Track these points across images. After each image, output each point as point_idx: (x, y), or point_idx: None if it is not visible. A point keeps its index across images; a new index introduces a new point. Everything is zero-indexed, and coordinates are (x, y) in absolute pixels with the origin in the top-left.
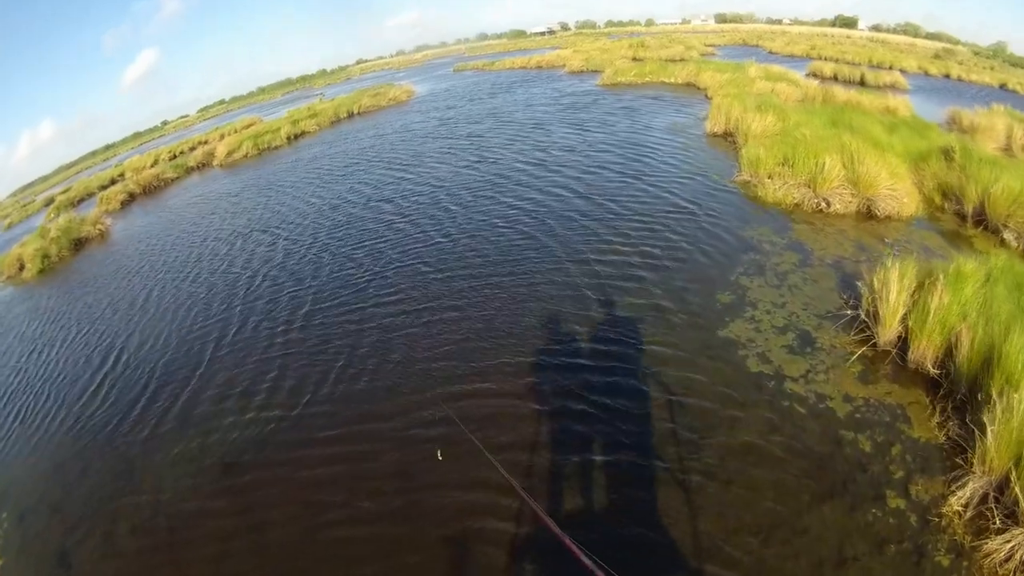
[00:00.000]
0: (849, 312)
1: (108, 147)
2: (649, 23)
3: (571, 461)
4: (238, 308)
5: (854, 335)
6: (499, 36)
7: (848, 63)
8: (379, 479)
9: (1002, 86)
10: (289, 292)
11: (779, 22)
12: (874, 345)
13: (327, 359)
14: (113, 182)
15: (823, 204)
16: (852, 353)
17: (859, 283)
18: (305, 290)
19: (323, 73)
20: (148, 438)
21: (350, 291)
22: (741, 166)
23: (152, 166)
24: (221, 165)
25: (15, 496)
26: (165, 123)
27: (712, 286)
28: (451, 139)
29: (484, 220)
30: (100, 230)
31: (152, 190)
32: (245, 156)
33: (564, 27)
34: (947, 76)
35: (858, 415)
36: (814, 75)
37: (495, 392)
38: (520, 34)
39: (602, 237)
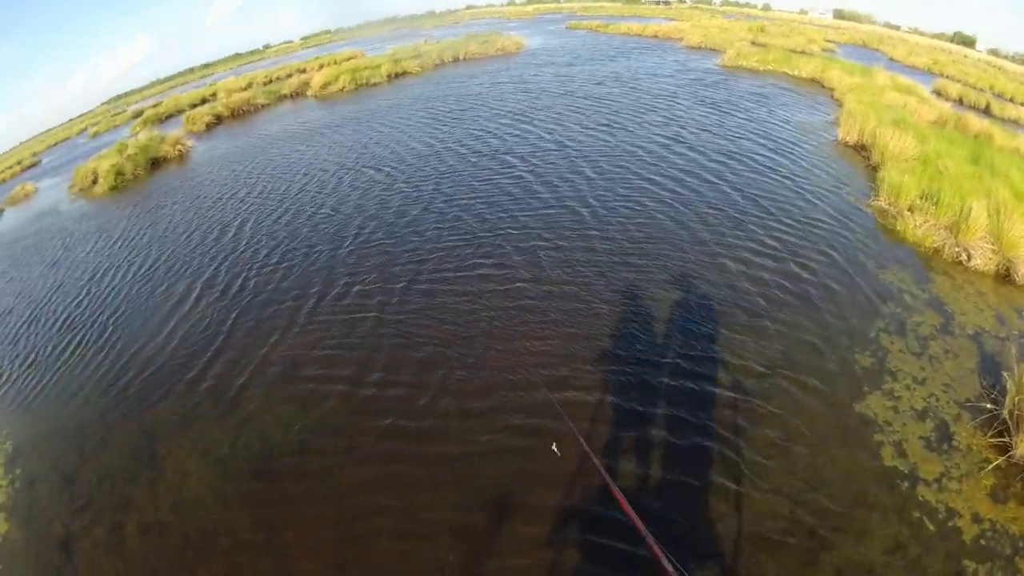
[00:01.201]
0: (989, 407)
1: (206, 65)
2: (766, 7)
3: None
4: (321, 264)
5: (991, 437)
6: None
7: (973, 87)
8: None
9: None
10: (381, 250)
11: (897, 28)
12: (1010, 456)
13: (423, 348)
14: (204, 101)
15: (964, 256)
16: (987, 461)
17: (1005, 373)
18: (401, 252)
19: (431, 15)
20: (183, 419)
21: (455, 261)
22: (879, 189)
23: (246, 89)
24: (315, 96)
25: (32, 452)
26: (267, 47)
27: (851, 340)
28: (577, 97)
29: (620, 196)
30: (180, 151)
31: (241, 114)
32: (341, 90)
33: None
34: None
35: (983, 541)
36: (938, 94)
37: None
38: (635, 0)
39: (738, 243)
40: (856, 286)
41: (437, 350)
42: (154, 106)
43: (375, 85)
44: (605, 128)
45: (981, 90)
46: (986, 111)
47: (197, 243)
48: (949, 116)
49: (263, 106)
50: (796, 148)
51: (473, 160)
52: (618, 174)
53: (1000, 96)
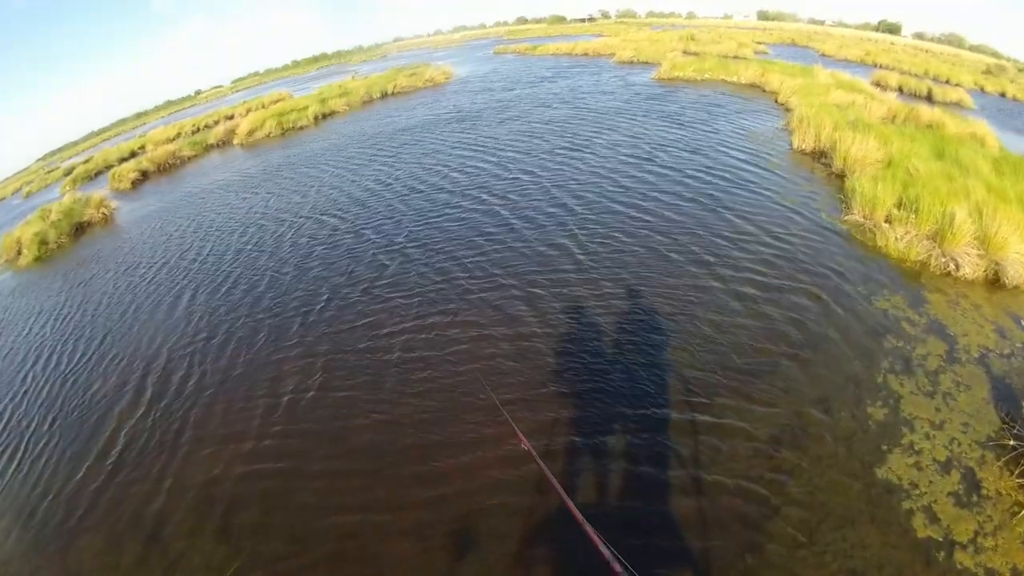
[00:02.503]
0: (1011, 443)
1: (140, 115)
2: (691, 16)
3: None
4: (274, 349)
5: (1017, 476)
6: (538, 20)
7: (910, 75)
8: None
9: None
10: (338, 327)
11: (821, 23)
12: None
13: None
14: (133, 154)
15: (951, 265)
16: (1018, 505)
17: (1022, 401)
18: (319, 301)
19: (359, 49)
20: (83, 516)
21: (444, 344)
22: (851, 201)
23: (174, 139)
24: (242, 144)
25: None
26: (198, 92)
27: (859, 389)
28: (530, 123)
29: (606, 228)
30: (104, 214)
31: (168, 168)
32: (268, 135)
33: (604, 15)
34: (1003, 95)
35: None
36: (879, 85)
37: None
38: (560, 19)
39: (720, 295)
40: (850, 322)
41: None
42: (85, 162)
43: (303, 128)
44: (571, 152)
45: (919, 76)
46: (928, 98)
47: (130, 324)
48: (899, 109)
49: (190, 158)
50: (753, 164)
51: (434, 198)
52: (598, 203)
53: (937, 79)
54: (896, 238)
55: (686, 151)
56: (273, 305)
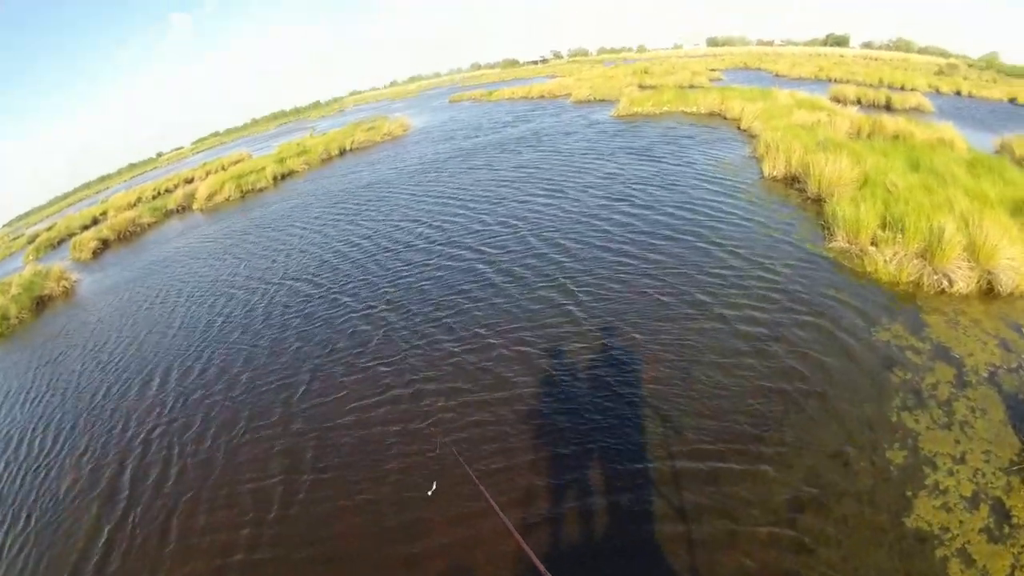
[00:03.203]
0: None
1: (103, 178)
2: (641, 49)
3: None
4: (256, 437)
5: None
6: (492, 65)
7: (867, 85)
8: None
9: (1012, 100)
10: (278, 385)
11: (770, 43)
12: None
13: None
14: (95, 221)
15: (944, 282)
16: None
17: None
18: (299, 377)
19: (316, 105)
20: None
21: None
22: (833, 228)
23: (135, 204)
24: (202, 209)
25: None
26: (160, 154)
27: (875, 434)
28: (499, 170)
29: (597, 277)
30: (65, 287)
31: (128, 236)
32: (227, 199)
33: (557, 55)
34: (958, 93)
35: None
36: (837, 100)
37: None
38: (513, 63)
39: (716, 340)
40: (855, 360)
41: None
42: (48, 229)
43: (262, 190)
44: (544, 198)
45: (875, 86)
46: (888, 106)
47: (101, 409)
48: (863, 123)
49: (150, 225)
50: (727, 196)
51: (408, 257)
52: (581, 250)
53: (892, 87)
54: (885, 261)
55: (660, 188)
56: (250, 385)
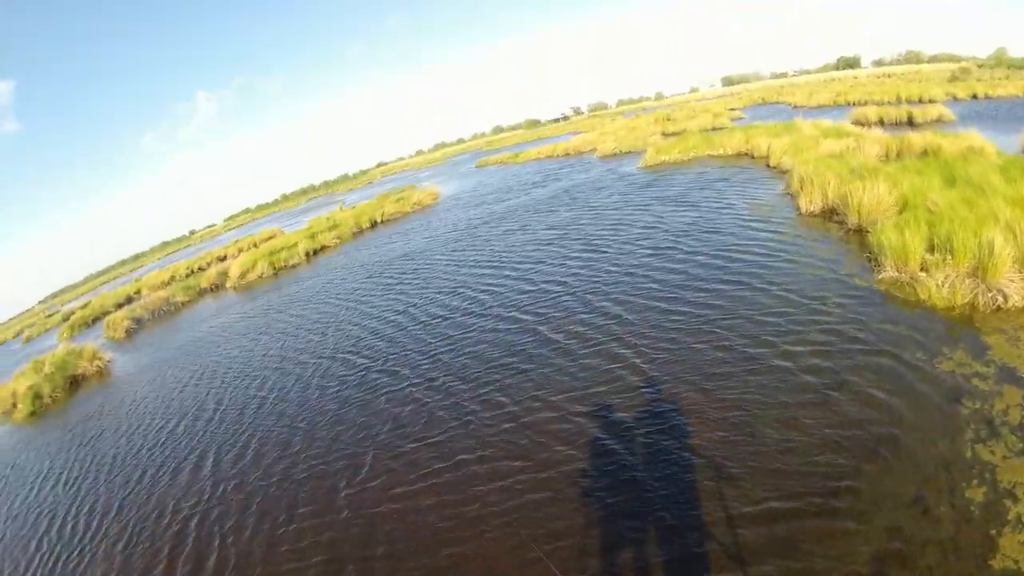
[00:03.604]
0: None
1: (137, 256)
2: (659, 96)
3: None
4: (272, 493)
5: None
6: (514, 127)
7: (886, 104)
8: None
9: None
10: (343, 467)
11: (784, 75)
12: None
13: None
14: (129, 299)
15: (999, 299)
16: None
17: None
18: (364, 457)
19: (345, 178)
20: None
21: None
22: (880, 258)
23: (168, 283)
24: (235, 288)
25: None
26: (192, 232)
27: (951, 474)
28: (534, 231)
29: (657, 337)
30: (98, 367)
31: (162, 315)
32: (260, 276)
33: (577, 111)
34: (975, 96)
35: None
36: (859, 123)
37: None
38: (535, 123)
39: (781, 389)
40: (921, 396)
41: None
42: (83, 307)
43: (295, 266)
44: (589, 254)
45: (894, 103)
46: (910, 122)
47: (147, 493)
48: (891, 144)
49: (184, 303)
50: (766, 238)
51: (462, 322)
52: (636, 303)
53: (910, 101)
54: (937, 286)
55: (699, 235)
56: (287, 472)
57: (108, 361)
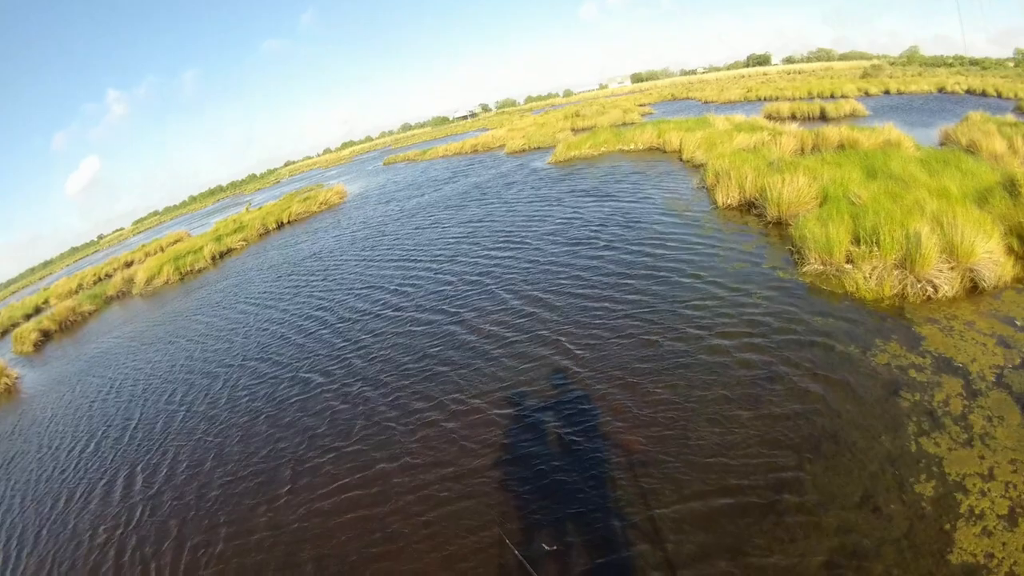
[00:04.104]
0: None
1: (46, 263)
2: (567, 93)
3: None
4: (191, 517)
5: None
6: (422, 125)
7: (798, 99)
8: None
9: (940, 89)
10: (257, 485)
11: (693, 72)
12: None
13: None
14: (38, 310)
15: (929, 289)
16: None
17: None
18: (280, 476)
19: (252, 178)
20: None
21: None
22: (804, 251)
23: (76, 291)
24: (142, 294)
25: None
26: (101, 237)
27: (898, 470)
28: (445, 227)
29: (576, 323)
30: (7, 384)
31: (70, 325)
32: (166, 282)
33: (485, 108)
34: (887, 92)
35: None
36: (772, 117)
37: None
38: (443, 120)
39: (711, 391)
40: (859, 391)
41: None
42: None
43: (201, 271)
44: (506, 250)
45: (806, 99)
46: (823, 117)
47: (64, 520)
48: (806, 138)
49: (90, 313)
50: (683, 232)
51: (374, 327)
52: (557, 298)
53: (822, 96)
54: (864, 277)
55: (618, 228)
56: (226, 485)
57: (16, 378)
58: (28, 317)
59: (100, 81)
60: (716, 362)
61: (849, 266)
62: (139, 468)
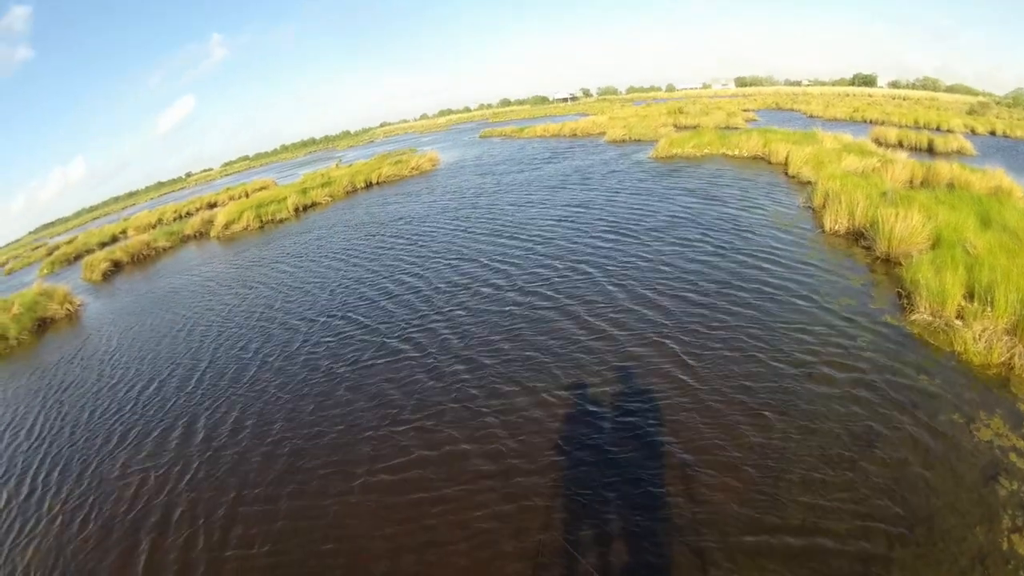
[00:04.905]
0: None
1: (131, 194)
2: (670, 88)
3: None
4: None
5: None
6: (522, 102)
7: (905, 127)
8: None
9: None
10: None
11: (798, 83)
12: None
13: None
14: (115, 239)
15: None
16: None
17: None
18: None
19: (346, 135)
20: None
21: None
22: (914, 297)
23: (155, 225)
24: (219, 237)
25: None
26: (189, 175)
27: (985, 566)
28: (549, 209)
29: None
30: (68, 310)
31: (142, 259)
32: (246, 228)
33: (586, 93)
34: (993, 133)
35: None
36: (879, 142)
37: None
38: (542, 100)
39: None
40: (957, 470)
41: None
42: (68, 242)
43: (282, 221)
44: (614, 239)
45: (913, 127)
46: (930, 150)
47: (112, 461)
48: (917, 170)
49: (165, 249)
50: (788, 255)
51: (473, 304)
52: (668, 301)
53: (928, 127)
54: (974, 338)
55: (728, 233)
56: (295, 454)
57: (80, 305)
58: (103, 245)
59: (206, 24)
60: (816, 409)
61: (959, 322)
62: (202, 418)
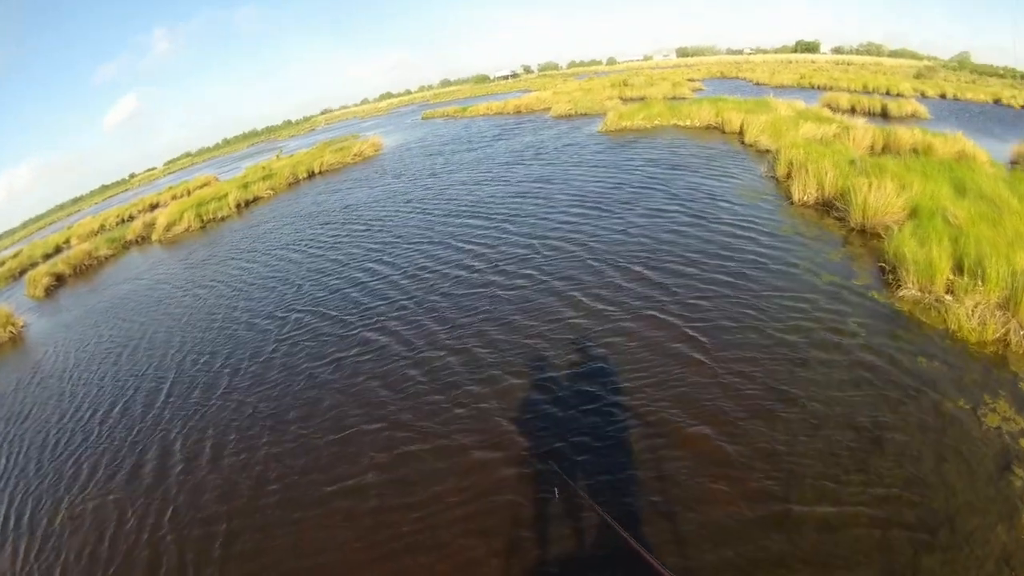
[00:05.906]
0: None
1: (76, 200)
2: (611, 62)
3: None
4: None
5: None
6: (463, 81)
7: (856, 92)
8: None
9: (996, 101)
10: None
11: (740, 52)
12: None
13: None
14: (59, 250)
15: None
16: None
17: None
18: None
19: (288, 124)
20: None
21: None
22: (899, 271)
23: (97, 232)
24: (161, 241)
25: None
26: (132, 176)
27: (1011, 567)
28: (509, 185)
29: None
30: (12, 333)
31: (85, 269)
32: (187, 229)
33: (527, 70)
34: (943, 96)
35: None
36: (831, 108)
37: None
38: (484, 79)
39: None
40: (971, 462)
41: None
42: (14, 256)
43: (224, 219)
44: (587, 212)
45: (861, 92)
46: (884, 114)
47: (81, 505)
48: (877, 136)
49: (107, 257)
50: (760, 228)
51: (448, 289)
52: (661, 276)
53: (878, 92)
54: (967, 315)
55: (700, 203)
56: (285, 489)
57: (22, 327)
58: (47, 257)
59: (150, 13)
60: (816, 409)
61: (949, 297)
62: (176, 443)
